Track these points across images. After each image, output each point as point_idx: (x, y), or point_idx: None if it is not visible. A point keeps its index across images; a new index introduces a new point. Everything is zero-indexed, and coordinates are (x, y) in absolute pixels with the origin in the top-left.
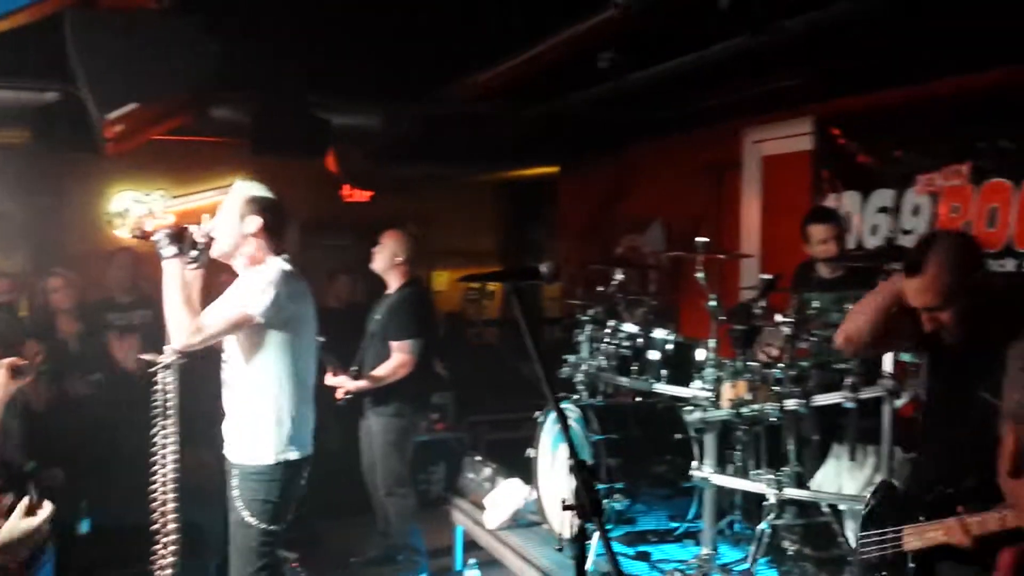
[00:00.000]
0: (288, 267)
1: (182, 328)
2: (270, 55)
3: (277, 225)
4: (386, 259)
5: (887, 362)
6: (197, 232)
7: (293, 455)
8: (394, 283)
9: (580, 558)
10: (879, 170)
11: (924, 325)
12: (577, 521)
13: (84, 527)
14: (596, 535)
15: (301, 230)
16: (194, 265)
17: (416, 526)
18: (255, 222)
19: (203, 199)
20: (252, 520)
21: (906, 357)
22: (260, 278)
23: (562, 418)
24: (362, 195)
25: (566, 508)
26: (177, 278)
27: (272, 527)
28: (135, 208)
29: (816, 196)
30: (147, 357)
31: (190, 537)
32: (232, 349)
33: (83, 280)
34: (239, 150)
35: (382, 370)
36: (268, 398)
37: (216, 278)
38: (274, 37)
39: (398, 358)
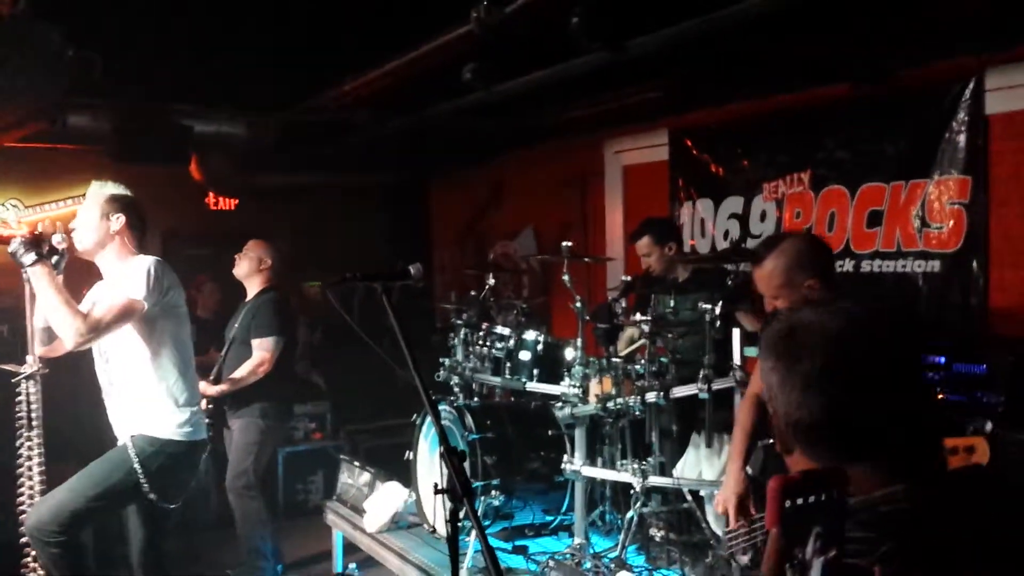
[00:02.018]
0: (158, 258)
1: (72, 327)
2: (131, 62)
3: (139, 223)
4: (250, 265)
5: (736, 355)
6: (55, 238)
7: (193, 435)
8: (254, 289)
9: (453, 539)
10: (729, 178)
11: (766, 307)
12: (449, 504)
13: None
14: (474, 533)
15: (163, 239)
16: (55, 271)
17: (265, 531)
18: (120, 219)
19: (59, 208)
20: (142, 480)
21: (752, 352)
22: (138, 267)
23: (432, 409)
24: (227, 203)
25: (438, 492)
26: (50, 281)
27: (170, 505)
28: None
29: (674, 203)
30: (9, 367)
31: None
32: (117, 346)
33: None
34: (98, 157)
35: (243, 369)
36: (162, 386)
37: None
38: (136, 44)
39: (258, 355)
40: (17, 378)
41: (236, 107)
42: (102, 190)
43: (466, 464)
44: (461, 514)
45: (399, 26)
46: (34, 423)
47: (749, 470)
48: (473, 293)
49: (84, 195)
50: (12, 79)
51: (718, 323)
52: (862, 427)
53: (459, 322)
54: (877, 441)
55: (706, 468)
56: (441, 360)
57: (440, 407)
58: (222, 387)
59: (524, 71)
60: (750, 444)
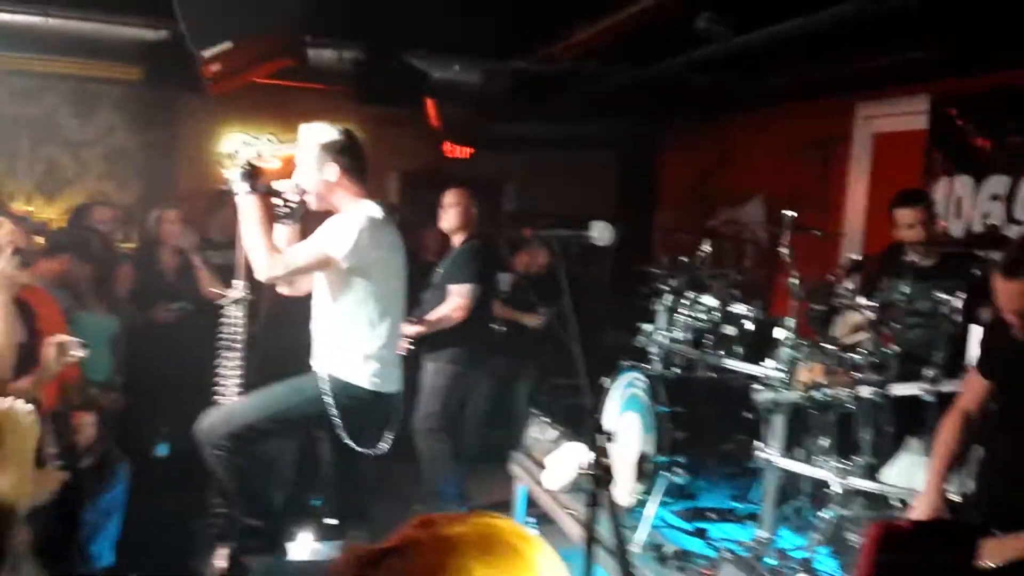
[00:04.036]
0: (377, 213)
1: (263, 259)
2: (371, 3)
3: (356, 166)
4: (457, 218)
5: (971, 356)
6: (289, 188)
7: (381, 387)
8: (459, 238)
9: (590, 524)
10: (995, 155)
11: (1016, 328)
12: (590, 487)
13: (162, 450)
14: (652, 505)
15: (401, 181)
16: (289, 220)
17: (448, 474)
18: (333, 169)
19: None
20: (342, 434)
21: None
22: (345, 221)
23: (588, 379)
24: (463, 152)
25: (580, 473)
26: (254, 213)
27: (344, 435)
28: (244, 150)
29: (927, 178)
30: (217, 291)
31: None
32: (318, 289)
33: (191, 217)
34: (345, 99)
35: (438, 312)
36: (351, 340)
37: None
38: None
39: (454, 301)
40: (224, 301)
41: (471, 55)
42: (313, 137)
43: (652, 436)
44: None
45: None
46: (235, 346)
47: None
48: (683, 259)
49: None
50: (252, 11)
51: (957, 318)
52: None
53: (665, 288)
54: None
55: (919, 476)
56: (642, 325)
57: (633, 374)
58: (418, 327)
59: (766, 23)
60: (953, 463)
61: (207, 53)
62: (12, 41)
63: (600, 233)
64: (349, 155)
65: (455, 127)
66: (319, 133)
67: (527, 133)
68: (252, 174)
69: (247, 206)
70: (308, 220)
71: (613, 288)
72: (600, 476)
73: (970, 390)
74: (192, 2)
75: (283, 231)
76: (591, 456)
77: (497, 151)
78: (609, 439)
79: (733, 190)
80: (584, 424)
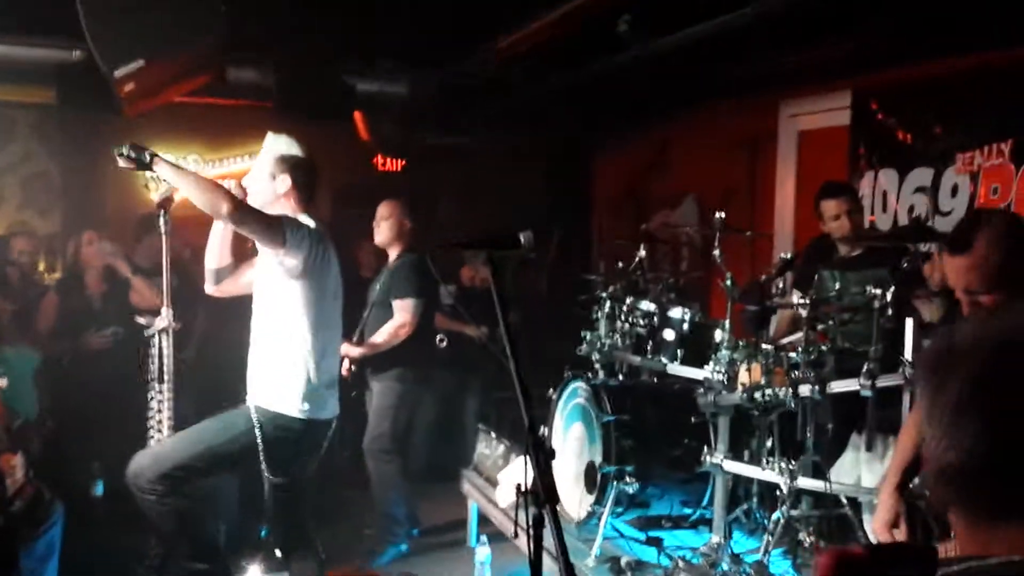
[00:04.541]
0: (316, 226)
1: (219, 199)
2: (291, 17)
3: (307, 184)
4: (390, 230)
5: (908, 348)
6: (232, 187)
7: (314, 414)
8: (395, 252)
9: (536, 547)
10: (918, 147)
11: (963, 308)
12: (532, 509)
13: (98, 489)
14: (604, 516)
15: (332, 198)
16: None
17: (400, 495)
18: (285, 182)
19: (236, 164)
20: (265, 470)
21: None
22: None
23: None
24: (395, 165)
25: (520, 494)
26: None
27: (279, 480)
28: None
29: (853, 173)
30: (142, 321)
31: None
32: (257, 308)
33: (115, 241)
34: (268, 114)
35: (384, 332)
36: (287, 364)
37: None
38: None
39: (400, 317)
40: (150, 331)
41: (397, 65)
42: (273, 146)
43: (599, 446)
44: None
45: None
46: (165, 377)
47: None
48: (621, 265)
49: (258, 153)
50: (164, 28)
51: (889, 310)
52: None
53: (603, 295)
54: None
55: (866, 473)
56: (583, 334)
57: (577, 384)
58: (363, 349)
59: (688, 23)
60: (910, 468)
61: (119, 73)
62: None
63: (527, 241)
64: (303, 172)
65: (384, 140)
66: (280, 144)
67: (458, 143)
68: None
69: (165, 169)
70: None
71: (551, 297)
72: (541, 495)
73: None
74: (101, 21)
75: (221, 227)
76: (529, 475)
77: (429, 162)
78: (550, 456)
79: (666, 192)
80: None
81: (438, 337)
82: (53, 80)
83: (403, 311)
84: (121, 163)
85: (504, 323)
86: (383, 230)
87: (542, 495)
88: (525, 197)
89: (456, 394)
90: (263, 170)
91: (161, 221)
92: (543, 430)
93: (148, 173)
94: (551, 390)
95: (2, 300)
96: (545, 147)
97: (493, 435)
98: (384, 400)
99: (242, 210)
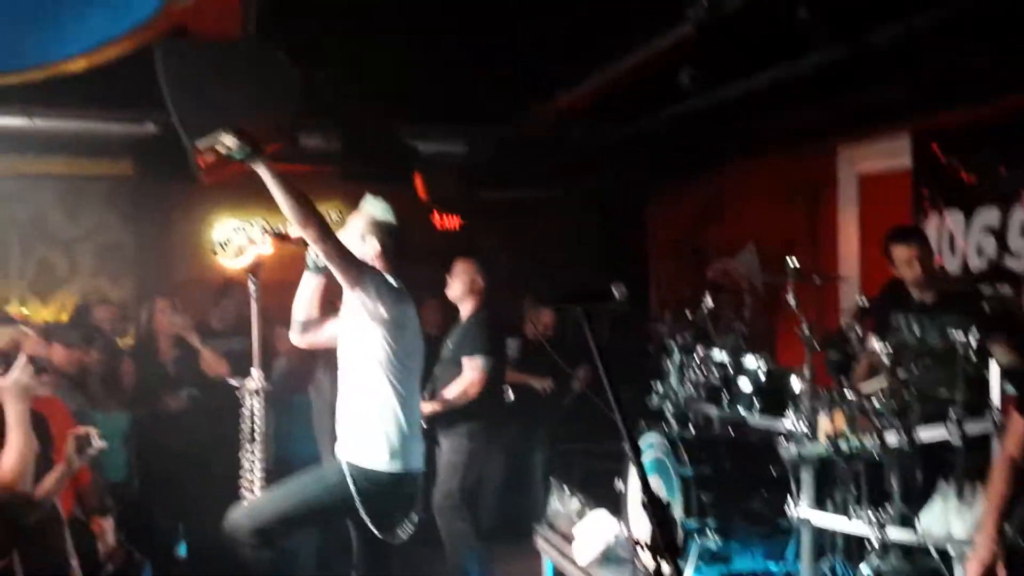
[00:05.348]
0: (397, 284)
1: (305, 213)
2: (354, 82)
3: (394, 249)
4: (461, 287)
5: (994, 393)
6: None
7: (405, 467)
8: (467, 309)
9: None
10: (982, 188)
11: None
12: (652, 564)
13: (182, 551)
14: (687, 573)
15: None
16: (318, 272)
17: (472, 553)
18: (373, 245)
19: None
20: (357, 524)
21: (1011, 389)
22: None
23: (634, 450)
24: (451, 221)
25: (639, 547)
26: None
27: (370, 534)
28: (236, 236)
29: (917, 215)
30: (234, 382)
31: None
32: (343, 363)
33: (185, 306)
34: (331, 177)
35: (454, 388)
36: (374, 419)
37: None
38: (357, 64)
39: (469, 376)
40: (242, 391)
41: (454, 124)
42: (369, 209)
43: (678, 502)
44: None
45: (610, 36)
46: (256, 436)
47: (1008, 531)
48: (689, 314)
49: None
50: (245, 99)
51: (972, 355)
52: None
53: (674, 345)
54: None
55: (956, 523)
56: (653, 385)
57: (652, 436)
58: (434, 405)
59: (745, 73)
60: (1009, 506)
61: (201, 144)
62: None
63: (621, 295)
64: (392, 238)
65: (442, 197)
66: (374, 208)
67: (513, 197)
68: (321, 265)
69: (307, 280)
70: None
71: (612, 347)
72: (662, 551)
73: (1013, 432)
74: (184, 94)
75: (312, 280)
76: (646, 530)
77: (485, 217)
78: (667, 507)
79: (723, 240)
80: (610, 492)
81: (505, 390)
82: (127, 153)
83: (473, 368)
84: (207, 155)
85: (607, 376)
86: (456, 286)
87: (663, 550)
88: (581, 247)
89: (523, 447)
90: (355, 230)
91: (251, 285)
92: (619, 484)
93: (217, 238)
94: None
95: (90, 365)
96: (599, 197)
97: (567, 489)
98: (454, 456)
99: (326, 231)
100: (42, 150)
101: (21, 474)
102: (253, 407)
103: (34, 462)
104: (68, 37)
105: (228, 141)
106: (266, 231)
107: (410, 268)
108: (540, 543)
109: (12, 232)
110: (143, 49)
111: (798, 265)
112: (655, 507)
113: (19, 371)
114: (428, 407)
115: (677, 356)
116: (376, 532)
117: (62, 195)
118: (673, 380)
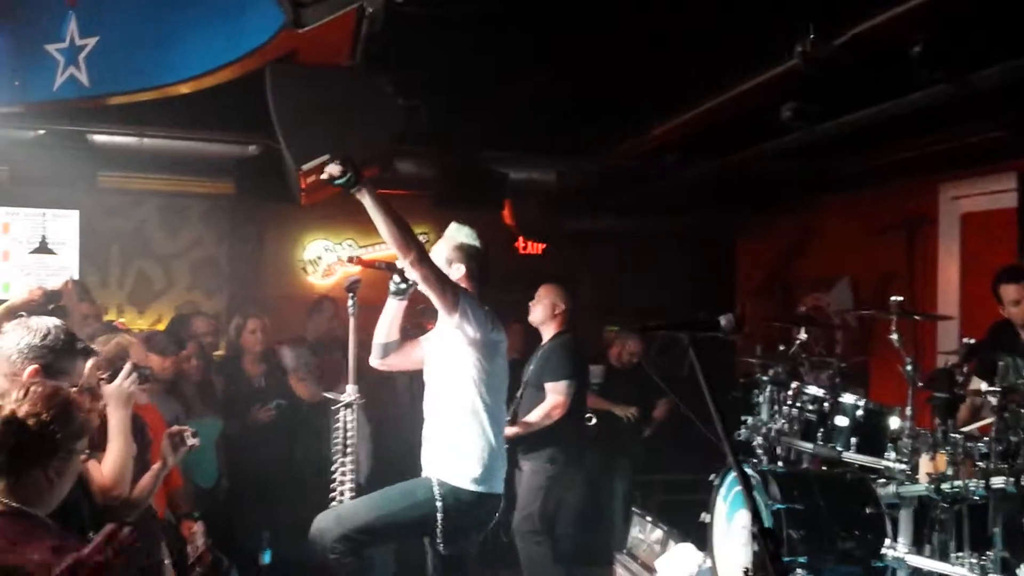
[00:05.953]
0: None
1: (405, 244)
2: (453, 111)
3: (479, 274)
4: (544, 311)
5: None
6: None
7: (490, 488)
8: (549, 333)
9: None
10: None
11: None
12: None
13: (266, 558)
14: None
15: None
16: (401, 296)
17: None
18: (459, 269)
19: (389, 250)
20: (435, 542)
21: None
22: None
23: (744, 480)
24: (536, 248)
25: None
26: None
27: (448, 552)
28: (326, 256)
29: (1021, 255)
30: (330, 395)
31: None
32: (431, 383)
33: (278, 322)
34: (422, 202)
35: (537, 412)
36: (471, 424)
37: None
38: (456, 94)
39: (552, 399)
40: (336, 406)
41: (547, 154)
42: (455, 235)
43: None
44: None
45: (712, 69)
46: (348, 450)
47: None
48: (782, 348)
49: None
50: (350, 125)
51: None
52: None
53: (765, 378)
54: None
55: None
56: (743, 418)
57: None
58: (516, 429)
59: (849, 110)
60: None
61: (306, 167)
62: (109, 161)
63: (728, 324)
64: (477, 263)
65: (528, 224)
66: (460, 234)
67: (601, 227)
68: (403, 289)
69: (389, 305)
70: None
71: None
72: None
73: None
74: (292, 118)
75: (393, 304)
76: (736, 563)
77: (569, 246)
78: (773, 538)
79: (815, 274)
80: (689, 523)
81: (587, 416)
82: (228, 172)
83: (556, 393)
84: (312, 176)
85: (715, 406)
86: (538, 312)
87: None
88: (668, 278)
89: (604, 475)
90: (441, 254)
91: (349, 303)
92: (704, 516)
93: (307, 257)
94: (713, 475)
95: (187, 373)
96: (687, 229)
97: (648, 520)
98: (535, 480)
99: (425, 258)
100: (147, 167)
101: (121, 479)
102: (346, 420)
103: (132, 467)
104: (187, 60)
105: (334, 170)
106: (349, 256)
107: (493, 293)
108: (619, 571)
109: (114, 244)
110: (252, 73)
111: (903, 302)
112: (768, 539)
113: (125, 379)
114: (510, 430)
115: (768, 389)
116: (441, 549)
117: (163, 211)
118: (763, 413)
